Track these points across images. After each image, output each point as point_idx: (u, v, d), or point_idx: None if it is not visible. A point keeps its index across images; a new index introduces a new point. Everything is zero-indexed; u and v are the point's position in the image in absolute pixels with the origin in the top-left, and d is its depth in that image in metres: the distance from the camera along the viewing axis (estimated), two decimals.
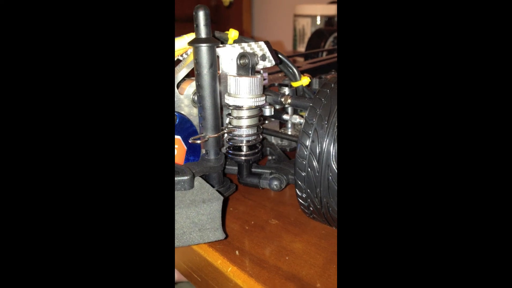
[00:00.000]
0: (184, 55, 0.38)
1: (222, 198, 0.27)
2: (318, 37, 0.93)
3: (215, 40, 0.28)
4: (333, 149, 0.26)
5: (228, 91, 0.32)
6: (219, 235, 0.27)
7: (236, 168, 0.36)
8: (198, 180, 0.26)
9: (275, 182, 0.34)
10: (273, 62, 0.34)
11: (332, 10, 1.13)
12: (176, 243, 0.26)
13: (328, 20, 1.13)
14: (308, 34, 1.16)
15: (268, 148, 0.41)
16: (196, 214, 0.26)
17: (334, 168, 0.26)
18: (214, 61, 0.29)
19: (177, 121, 0.33)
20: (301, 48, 1.19)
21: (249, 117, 0.33)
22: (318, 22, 1.14)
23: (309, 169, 0.27)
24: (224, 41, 0.36)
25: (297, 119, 0.39)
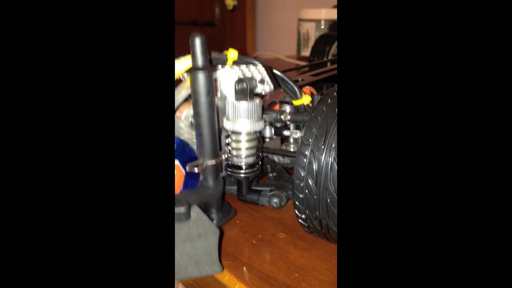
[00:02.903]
0: (185, 75, 0.37)
1: (218, 232, 0.27)
2: (323, 42, 0.91)
3: (212, 67, 0.28)
4: (330, 172, 0.25)
5: (227, 116, 0.32)
6: (216, 268, 0.27)
7: (235, 188, 0.36)
8: (195, 210, 0.26)
9: (275, 200, 0.34)
10: (272, 87, 0.34)
11: (336, 14, 1.13)
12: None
13: (332, 24, 1.12)
14: (312, 39, 1.15)
15: (268, 166, 0.41)
16: (192, 249, 0.26)
17: (332, 191, 0.25)
18: (212, 88, 0.29)
19: (175, 146, 0.33)
20: (305, 53, 1.19)
21: (248, 141, 0.32)
22: (323, 26, 1.14)
23: (306, 191, 0.27)
24: (223, 62, 0.36)
25: (297, 133, 0.38)
